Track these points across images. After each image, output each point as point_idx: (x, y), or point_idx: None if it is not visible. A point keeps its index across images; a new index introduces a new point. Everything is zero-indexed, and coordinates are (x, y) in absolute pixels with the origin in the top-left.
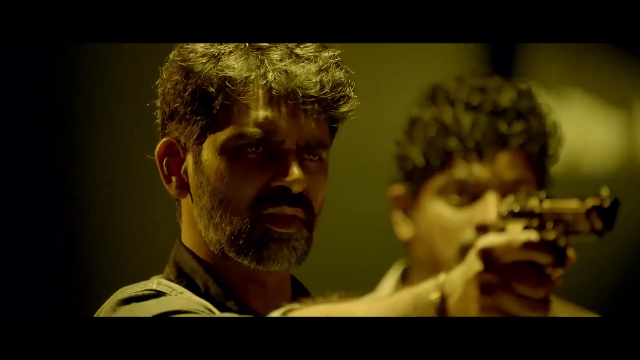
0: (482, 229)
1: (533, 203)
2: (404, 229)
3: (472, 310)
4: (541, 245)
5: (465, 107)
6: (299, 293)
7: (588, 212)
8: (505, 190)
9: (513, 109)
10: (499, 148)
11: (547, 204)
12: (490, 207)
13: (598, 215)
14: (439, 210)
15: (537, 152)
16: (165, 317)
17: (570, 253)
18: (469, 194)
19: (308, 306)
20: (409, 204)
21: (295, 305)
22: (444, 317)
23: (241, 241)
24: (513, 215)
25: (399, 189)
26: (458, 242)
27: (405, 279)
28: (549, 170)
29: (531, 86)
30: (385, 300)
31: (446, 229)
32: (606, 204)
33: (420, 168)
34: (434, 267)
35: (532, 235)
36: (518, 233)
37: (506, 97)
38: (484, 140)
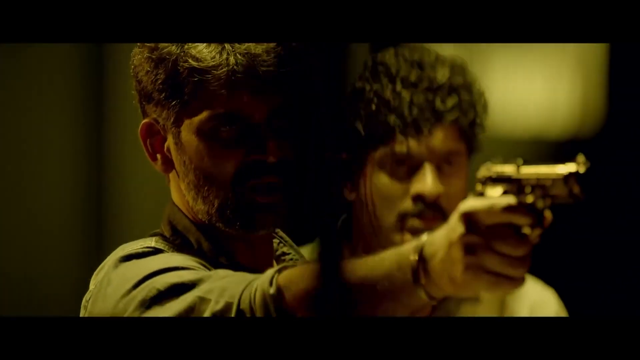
0: (419, 199)
1: (510, 169)
2: (348, 192)
3: (457, 269)
4: (520, 209)
5: (403, 84)
6: (283, 244)
7: (566, 178)
8: (440, 161)
9: (447, 86)
10: (435, 123)
11: (524, 170)
12: (427, 179)
13: (576, 180)
14: (380, 180)
15: (467, 124)
16: (164, 272)
17: (547, 214)
18: (407, 166)
19: (298, 265)
20: (354, 170)
21: (288, 264)
22: (418, 280)
23: (229, 212)
24: (491, 181)
25: (344, 156)
26: (397, 210)
27: (344, 227)
28: (478, 138)
29: (463, 60)
30: (373, 258)
31: (386, 198)
32: (582, 170)
33: (363, 139)
34: (374, 230)
35: (512, 200)
36: (498, 197)
37: (441, 74)
38: (421, 117)
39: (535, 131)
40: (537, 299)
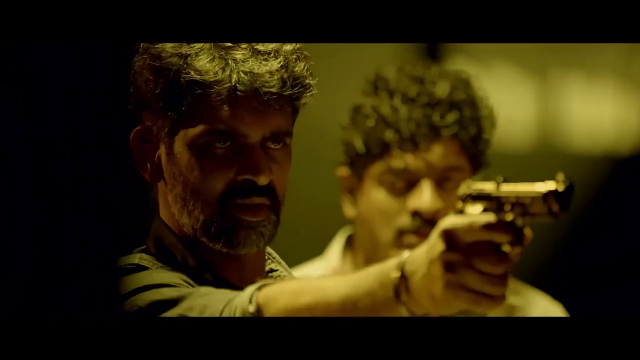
0: (417, 215)
1: (490, 187)
2: (349, 209)
3: (437, 287)
4: (500, 226)
5: (402, 99)
6: (271, 260)
7: (545, 196)
8: (439, 177)
9: (447, 101)
10: (433, 138)
11: (504, 188)
12: (424, 194)
13: (554, 198)
14: (378, 196)
15: (469, 139)
16: (145, 290)
17: (527, 232)
18: (405, 181)
19: (281, 281)
20: (355, 186)
21: (268, 281)
22: (398, 299)
23: (213, 229)
24: (471, 198)
25: (344, 171)
26: (394, 226)
27: (349, 244)
28: (483, 154)
29: (468, 75)
30: (355, 275)
31: (384, 214)
32: (561, 188)
33: (362, 155)
34: (373, 246)
35: (491, 217)
36: (478, 215)
37: (441, 89)
38: (418, 132)
39: (606, 147)
40: (544, 314)
